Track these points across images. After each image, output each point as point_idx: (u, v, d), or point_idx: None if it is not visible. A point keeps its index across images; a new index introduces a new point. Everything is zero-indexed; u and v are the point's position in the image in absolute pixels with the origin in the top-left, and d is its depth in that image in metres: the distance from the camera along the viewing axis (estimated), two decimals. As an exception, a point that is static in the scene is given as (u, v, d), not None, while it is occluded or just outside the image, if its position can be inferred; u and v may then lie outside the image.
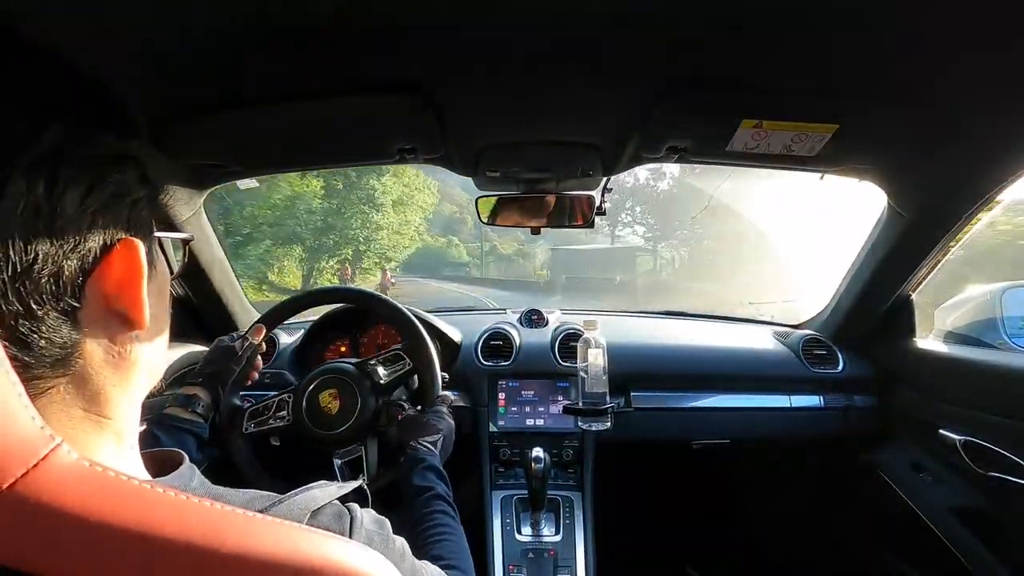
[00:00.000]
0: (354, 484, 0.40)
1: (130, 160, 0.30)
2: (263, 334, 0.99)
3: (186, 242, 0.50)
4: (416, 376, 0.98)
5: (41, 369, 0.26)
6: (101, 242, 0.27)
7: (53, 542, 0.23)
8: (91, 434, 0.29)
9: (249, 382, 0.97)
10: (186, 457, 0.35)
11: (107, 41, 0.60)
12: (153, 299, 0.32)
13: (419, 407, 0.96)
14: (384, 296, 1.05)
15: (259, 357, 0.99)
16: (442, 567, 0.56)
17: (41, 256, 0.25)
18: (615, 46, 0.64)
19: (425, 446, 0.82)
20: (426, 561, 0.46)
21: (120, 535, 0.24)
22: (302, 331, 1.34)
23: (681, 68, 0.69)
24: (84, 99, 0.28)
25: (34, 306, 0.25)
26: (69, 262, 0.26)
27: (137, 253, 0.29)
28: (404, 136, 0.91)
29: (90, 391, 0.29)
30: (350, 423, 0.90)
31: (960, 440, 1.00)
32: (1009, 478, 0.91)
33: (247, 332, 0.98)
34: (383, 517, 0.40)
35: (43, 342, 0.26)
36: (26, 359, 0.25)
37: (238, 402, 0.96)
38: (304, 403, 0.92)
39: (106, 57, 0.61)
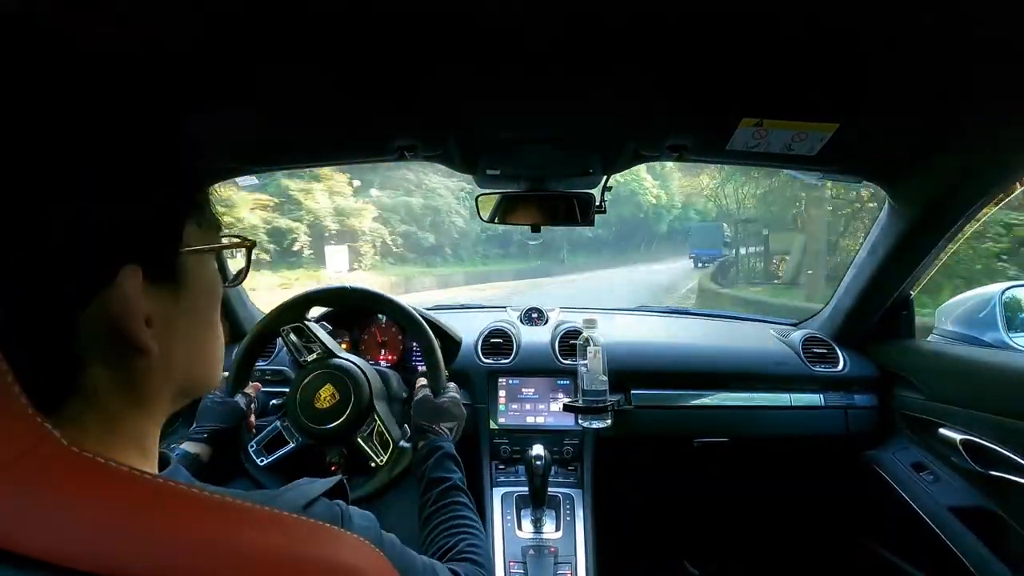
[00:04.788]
0: (336, 478, 0.40)
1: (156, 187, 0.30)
2: (259, 388, 0.99)
3: (250, 248, 0.42)
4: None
5: (51, 387, 0.26)
6: (104, 268, 0.27)
7: (42, 525, 0.23)
8: (107, 449, 0.29)
9: (252, 430, 0.95)
10: (173, 458, 0.36)
11: (105, 40, 0.60)
12: (184, 318, 0.32)
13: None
14: (388, 295, 1.06)
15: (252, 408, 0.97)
16: (460, 560, 0.57)
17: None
18: (615, 45, 0.64)
19: (444, 431, 0.80)
20: (427, 558, 0.47)
21: (109, 518, 0.24)
22: None
23: (681, 67, 0.69)
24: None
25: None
26: (71, 285, 0.26)
27: (136, 281, 0.28)
28: (404, 134, 0.91)
29: (100, 410, 0.29)
30: (339, 422, 0.90)
31: (960, 439, 1.00)
32: (1009, 477, 0.91)
33: (246, 388, 0.96)
34: (370, 512, 0.41)
35: (48, 362, 0.26)
36: (36, 379, 0.25)
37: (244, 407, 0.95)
38: (300, 390, 0.93)
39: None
